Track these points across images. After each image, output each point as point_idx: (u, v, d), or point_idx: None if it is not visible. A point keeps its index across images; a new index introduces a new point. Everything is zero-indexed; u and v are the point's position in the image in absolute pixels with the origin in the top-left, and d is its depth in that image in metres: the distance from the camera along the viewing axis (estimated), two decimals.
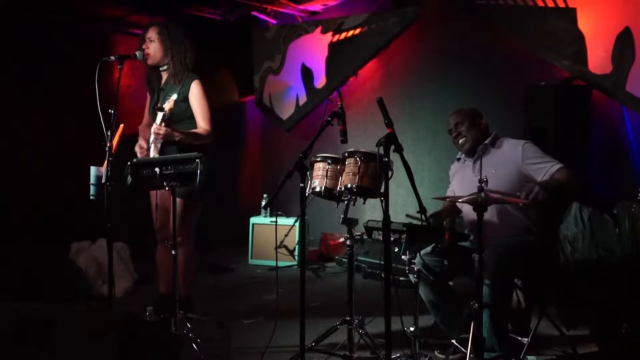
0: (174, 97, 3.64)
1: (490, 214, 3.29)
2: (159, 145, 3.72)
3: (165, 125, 3.61)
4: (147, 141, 3.82)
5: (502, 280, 3.05)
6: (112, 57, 3.52)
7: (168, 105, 3.59)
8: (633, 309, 3.38)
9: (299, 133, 6.86)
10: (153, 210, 3.90)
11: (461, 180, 3.55)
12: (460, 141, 3.48)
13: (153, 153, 3.73)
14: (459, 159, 3.63)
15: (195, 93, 3.77)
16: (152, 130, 3.64)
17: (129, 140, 3.85)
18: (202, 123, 3.78)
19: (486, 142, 3.43)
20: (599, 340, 3.53)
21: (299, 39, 6.79)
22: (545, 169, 3.20)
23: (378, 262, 5.19)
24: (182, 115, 3.78)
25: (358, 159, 3.10)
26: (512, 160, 3.31)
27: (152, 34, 3.81)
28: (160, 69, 3.90)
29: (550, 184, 3.13)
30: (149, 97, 4.04)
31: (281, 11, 6.89)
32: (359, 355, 3.26)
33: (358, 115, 6.28)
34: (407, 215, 5.58)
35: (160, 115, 3.61)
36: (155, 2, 6.01)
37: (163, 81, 3.91)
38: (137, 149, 3.85)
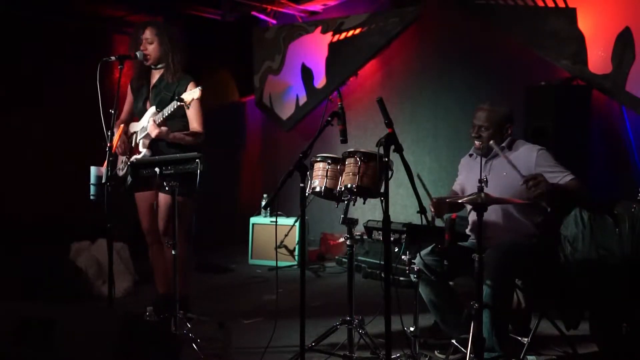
0: (195, 93, 3.56)
1: (495, 215, 3.29)
2: (147, 142, 3.73)
3: (160, 124, 3.64)
4: (127, 136, 3.85)
5: (503, 281, 3.05)
6: (113, 57, 3.54)
7: (190, 96, 3.52)
8: (633, 309, 3.37)
9: (299, 133, 6.86)
10: (140, 213, 3.92)
11: (467, 177, 3.54)
12: (477, 143, 3.43)
13: (143, 150, 3.73)
14: (471, 155, 3.60)
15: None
16: (149, 129, 3.65)
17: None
18: (195, 124, 3.78)
19: (503, 144, 3.39)
20: (599, 340, 3.53)
21: (299, 39, 6.79)
22: (558, 178, 3.19)
23: (378, 262, 5.19)
24: (174, 113, 3.78)
25: (358, 159, 3.10)
26: (525, 165, 3.28)
27: (149, 34, 3.80)
28: (154, 68, 3.89)
29: (559, 186, 3.13)
30: (130, 95, 4.02)
31: (281, 11, 6.88)
32: (359, 355, 3.26)
33: (358, 115, 6.28)
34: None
35: (175, 104, 3.56)
36: (155, 2, 6.01)
37: (154, 80, 3.89)
38: (118, 141, 3.83)
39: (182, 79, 3.80)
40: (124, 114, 4.04)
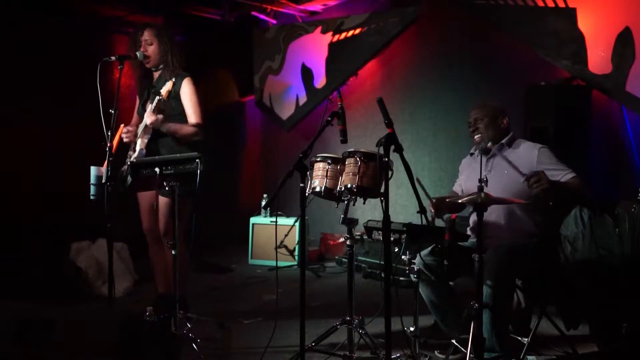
0: (168, 85, 3.65)
1: (497, 214, 3.29)
2: (145, 140, 3.74)
3: (157, 113, 3.67)
4: (135, 135, 3.86)
5: (503, 281, 3.05)
6: (113, 57, 3.55)
7: (165, 89, 3.61)
8: (633, 309, 3.37)
9: (299, 133, 6.86)
10: (142, 212, 3.94)
11: (468, 177, 3.55)
12: (476, 137, 3.43)
13: (139, 147, 3.74)
14: (472, 154, 3.61)
15: (187, 90, 3.80)
16: (145, 116, 3.68)
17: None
18: (192, 118, 3.80)
19: (503, 141, 3.41)
20: (599, 340, 3.53)
21: (299, 39, 6.79)
22: (559, 176, 3.20)
23: (378, 262, 5.19)
24: (171, 112, 3.79)
25: (358, 159, 3.10)
26: (527, 162, 3.29)
27: (148, 36, 3.82)
28: (154, 70, 3.90)
29: (560, 183, 3.13)
30: (138, 99, 4.05)
31: (281, 11, 6.89)
32: (359, 355, 3.26)
33: (358, 115, 6.28)
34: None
35: (156, 99, 3.62)
36: (155, 2, 6.01)
37: (154, 80, 3.91)
38: (124, 132, 3.83)
39: (178, 76, 3.81)
40: (134, 119, 4.06)
